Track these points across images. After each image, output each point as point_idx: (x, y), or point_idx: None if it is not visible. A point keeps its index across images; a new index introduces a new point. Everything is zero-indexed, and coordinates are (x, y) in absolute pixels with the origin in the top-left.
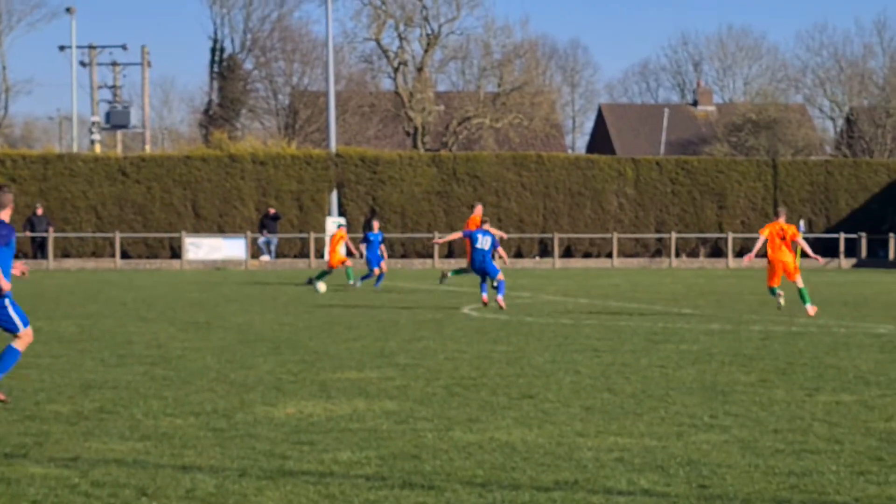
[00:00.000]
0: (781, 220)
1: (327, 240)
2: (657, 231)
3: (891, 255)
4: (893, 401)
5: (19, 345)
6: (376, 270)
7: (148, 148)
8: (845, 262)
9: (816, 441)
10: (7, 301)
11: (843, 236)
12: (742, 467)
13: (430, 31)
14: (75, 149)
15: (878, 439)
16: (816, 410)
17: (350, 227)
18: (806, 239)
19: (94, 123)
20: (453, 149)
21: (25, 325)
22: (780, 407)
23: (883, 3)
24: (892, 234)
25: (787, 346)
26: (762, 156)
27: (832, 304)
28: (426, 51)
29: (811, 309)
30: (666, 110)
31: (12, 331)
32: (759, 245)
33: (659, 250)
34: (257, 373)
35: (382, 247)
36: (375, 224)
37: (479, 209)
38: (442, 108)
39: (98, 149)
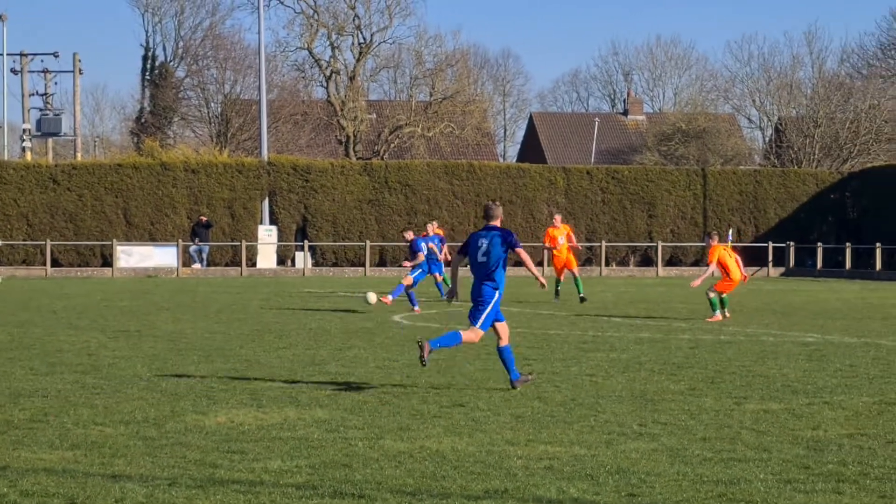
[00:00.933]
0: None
1: (259, 248)
2: (587, 240)
3: (819, 265)
4: (821, 409)
5: None
6: (438, 276)
7: (79, 156)
8: (773, 271)
9: (744, 449)
10: None
11: (771, 245)
12: (671, 475)
13: (362, 40)
14: (6, 156)
15: (806, 448)
16: (744, 419)
17: (281, 236)
18: (735, 248)
19: (25, 131)
20: (385, 157)
21: None
22: (708, 415)
23: (813, 14)
24: (820, 244)
25: (716, 354)
26: (692, 165)
27: (761, 313)
28: (358, 60)
29: (719, 316)
30: (596, 119)
31: None
32: (707, 273)
33: (589, 258)
34: (188, 381)
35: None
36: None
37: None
38: (374, 116)
39: (29, 156)
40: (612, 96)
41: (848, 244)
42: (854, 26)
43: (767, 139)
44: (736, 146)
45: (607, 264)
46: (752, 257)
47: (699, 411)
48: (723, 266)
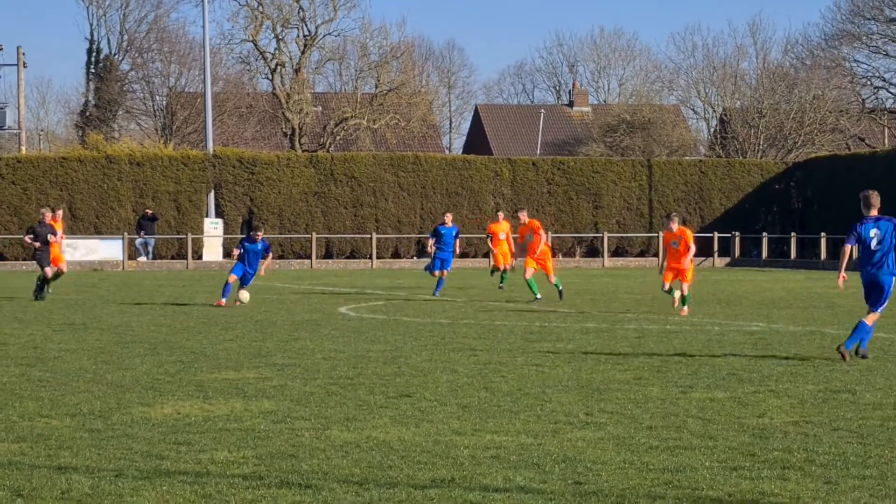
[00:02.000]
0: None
1: (205, 241)
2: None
3: (764, 254)
4: (766, 397)
5: None
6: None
7: (24, 149)
8: (719, 261)
9: (690, 437)
10: None
11: (716, 235)
12: (617, 464)
13: (307, 33)
14: None
15: (751, 435)
16: (690, 407)
17: (227, 229)
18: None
19: None
20: (331, 150)
21: None
22: (654, 404)
23: (757, 4)
24: (765, 234)
25: (662, 343)
26: (637, 156)
27: (707, 303)
28: (303, 52)
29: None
30: (542, 111)
31: None
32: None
33: None
34: (134, 374)
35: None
36: (448, 217)
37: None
38: (319, 109)
39: None
40: (558, 88)
41: (793, 234)
42: (798, 17)
43: (712, 130)
44: (681, 137)
45: (553, 255)
46: (698, 248)
47: (645, 400)
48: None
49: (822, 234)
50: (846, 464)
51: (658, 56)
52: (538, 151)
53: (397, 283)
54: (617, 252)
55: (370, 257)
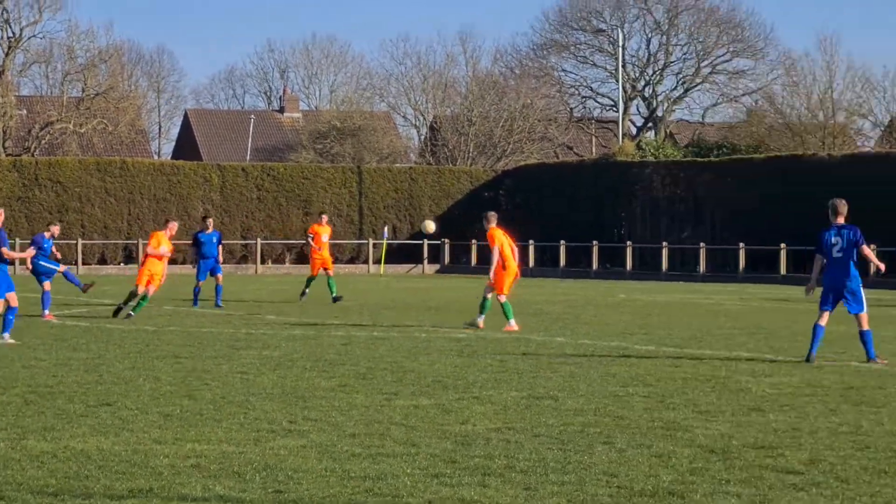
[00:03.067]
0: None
1: None
2: (243, 237)
3: (473, 261)
4: (469, 404)
5: None
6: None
7: None
8: (429, 268)
9: (393, 445)
10: None
11: (426, 242)
12: (318, 472)
13: (11, 35)
14: None
15: (454, 442)
16: (395, 414)
17: None
18: (390, 244)
19: None
20: (36, 154)
21: None
22: (358, 411)
23: (468, 14)
24: (474, 241)
25: (369, 350)
26: (348, 163)
27: (415, 310)
28: (7, 54)
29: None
30: (252, 117)
31: None
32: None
33: (245, 256)
34: None
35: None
36: (209, 222)
37: None
38: (24, 112)
39: None
40: (269, 94)
41: None
42: (508, 27)
43: (423, 137)
44: (391, 144)
45: (263, 262)
46: (407, 254)
47: (349, 407)
48: (501, 255)
49: (531, 241)
50: (546, 470)
51: (370, 63)
52: (248, 157)
53: (103, 290)
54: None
55: (76, 263)
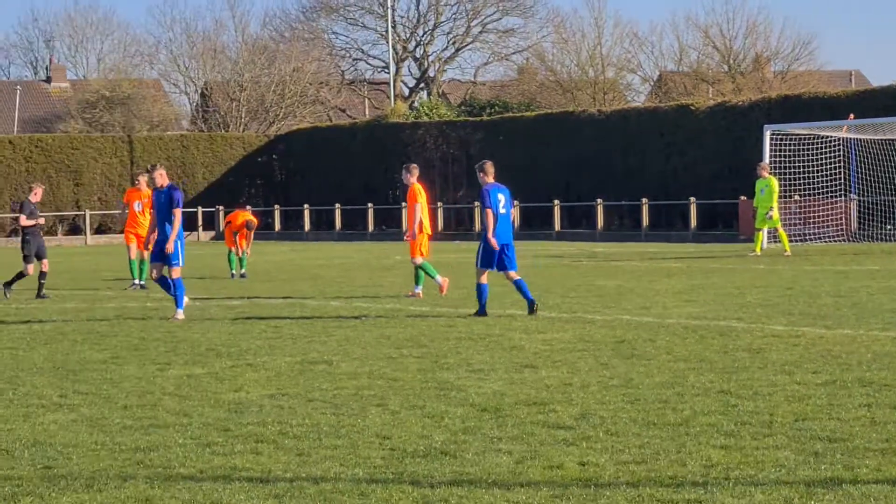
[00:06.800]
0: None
1: None
2: (12, 211)
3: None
4: (243, 371)
5: None
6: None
7: None
8: (204, 236)
9: (165, 415)
10: None
11: (200, 210)
12: (88, 445)
13: None
14: None
15: (227, 410)
16: (167, 384)
17: None
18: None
19: None
20: None
21: None
22: (130, 383)
23: None
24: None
25: (141, 322)
26: (118, 132)
27: (189, 279)
28: None
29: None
30: (18, 88)
31: None
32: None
33: (15, 230)
34: None
35: None
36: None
37: None
38: None
39: None
40: (35, 64)
41: (277, 206)
42: None
43: (194, 104)
44: (162, 112)
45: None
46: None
47: (121, 379)
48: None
49: (306, 205)
50: (319, 434)
51: (138, 30)
52: (15, 129)
53: None
54: (100, 230)
55: None
